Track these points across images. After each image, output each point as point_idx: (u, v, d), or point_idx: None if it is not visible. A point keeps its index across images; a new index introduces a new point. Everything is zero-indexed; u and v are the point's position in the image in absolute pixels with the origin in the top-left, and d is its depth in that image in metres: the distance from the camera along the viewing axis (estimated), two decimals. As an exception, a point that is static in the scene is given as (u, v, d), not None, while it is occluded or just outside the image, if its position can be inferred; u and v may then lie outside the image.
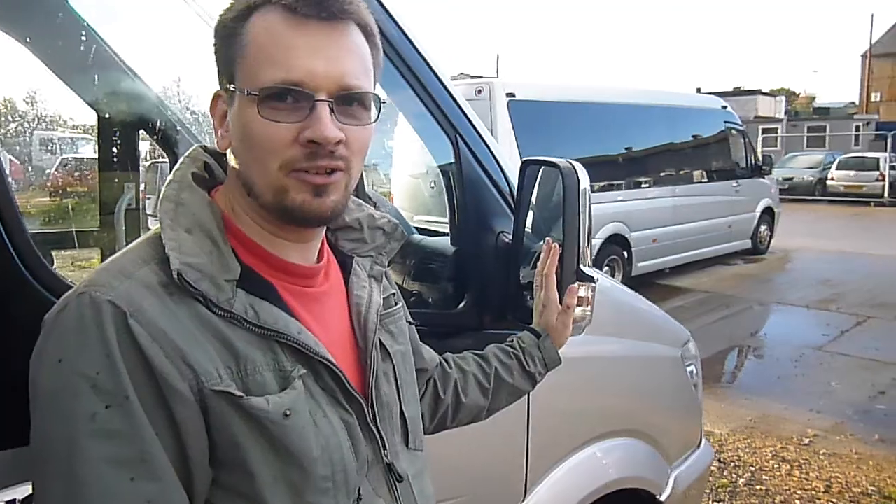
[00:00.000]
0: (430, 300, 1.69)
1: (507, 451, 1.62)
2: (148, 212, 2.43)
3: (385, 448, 0.88)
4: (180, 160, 0.88)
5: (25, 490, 0.92)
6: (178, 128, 1.93)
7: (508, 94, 6.76)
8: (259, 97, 0.76)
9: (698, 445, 2.35)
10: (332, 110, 0.77)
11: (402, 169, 5.31)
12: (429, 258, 1.72)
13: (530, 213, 1.45)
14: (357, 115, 0.80)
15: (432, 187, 2.13)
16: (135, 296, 0.73)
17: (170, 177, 0.85)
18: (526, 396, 1.59)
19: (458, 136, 1.45)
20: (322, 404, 0.81)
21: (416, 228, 1.92)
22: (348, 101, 0.79)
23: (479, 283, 1.49)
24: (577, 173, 1.30)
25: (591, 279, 1.33)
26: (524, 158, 1.44)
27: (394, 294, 1.02)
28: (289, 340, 0.79)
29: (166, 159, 2.11)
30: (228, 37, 0.80)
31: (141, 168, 2.15)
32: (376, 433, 0.87)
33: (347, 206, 0.90)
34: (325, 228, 0.91)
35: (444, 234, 1.86)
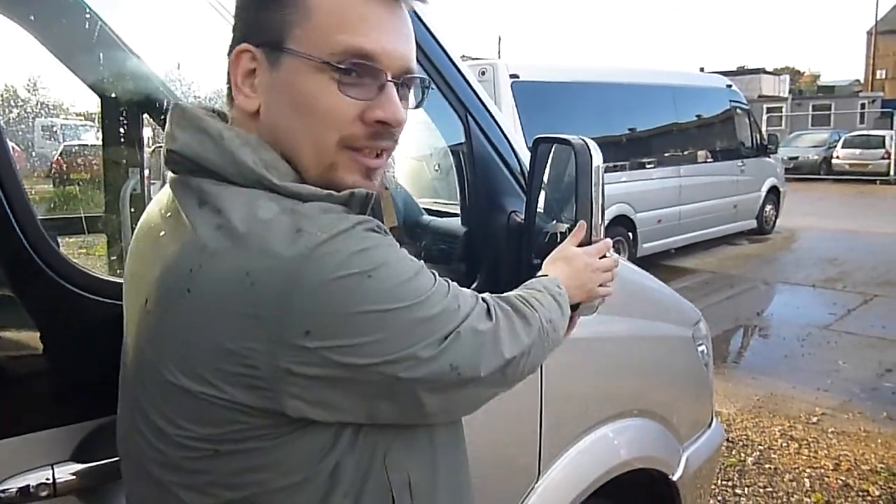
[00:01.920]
0: (441, 281, 1.67)
1: (521, 434, 1.61)
2: (153, 196, 2.41)
3: None
4: (206, 122, 0.77)
5: (37, 477, 0.92)
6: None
7: (512, 76, 6.71)
8: (330, 66, 0.73)
9: (709, 425, 2.34)
10: (396, 91, 0.77)
11: (404, 151, 5.28)
12: (439, 239, 1.70)
13: (542, 193, 1.43)
14: (408, 98, 0.80)
15: (436, 170, 2.10)
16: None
17: (225, 145, 0.74)
18: (539, 379, 1.58)
19: (468, 114, 1.43)
20: None
21: (426, 210, 1.90)
22: (407, 84, 0.79)
23: (491, 264, 1.48)
24: (590, 151, 1.28)
25: (604, 258, 1.31)
26: (536, 136, 1.41)
27: None
28: None
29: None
30: None
31: (145, 152, 2.13)
32: None
33: None
34: None
35: (451, 215, 1.84)
